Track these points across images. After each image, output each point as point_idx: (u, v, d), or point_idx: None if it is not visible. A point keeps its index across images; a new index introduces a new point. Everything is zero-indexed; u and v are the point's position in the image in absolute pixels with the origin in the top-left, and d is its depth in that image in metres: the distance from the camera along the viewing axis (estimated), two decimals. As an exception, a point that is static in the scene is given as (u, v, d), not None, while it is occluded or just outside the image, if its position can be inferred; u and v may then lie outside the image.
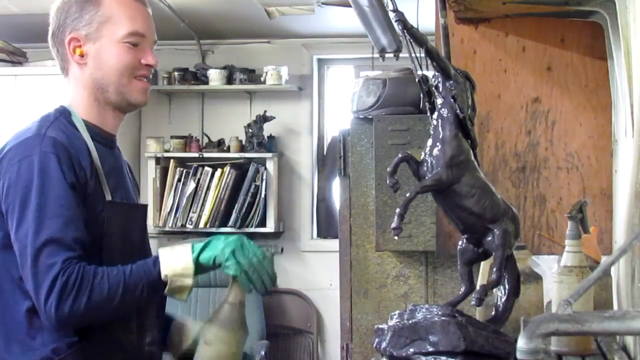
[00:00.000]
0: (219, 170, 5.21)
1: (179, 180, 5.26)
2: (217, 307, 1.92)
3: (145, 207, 2.04)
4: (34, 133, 1.82)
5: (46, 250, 1.72)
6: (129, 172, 2.07)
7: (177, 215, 5.22)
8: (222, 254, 1.81)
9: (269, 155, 5.25)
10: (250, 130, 5.23)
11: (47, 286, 1.71)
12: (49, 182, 1.76)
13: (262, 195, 5.20)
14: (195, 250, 1.82)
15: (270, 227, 5.23)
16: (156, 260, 1.80)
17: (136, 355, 1.92)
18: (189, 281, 1.80)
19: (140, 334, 1.93)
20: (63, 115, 1.91)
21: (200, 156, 5.33)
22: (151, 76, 1.97)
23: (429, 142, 1.75)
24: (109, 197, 1.86)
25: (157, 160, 5.35)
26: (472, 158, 1.76)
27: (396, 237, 1.68)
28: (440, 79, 1.75)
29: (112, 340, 1.86)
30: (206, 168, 5.23)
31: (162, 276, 1.78)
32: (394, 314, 1.79)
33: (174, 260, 1.80)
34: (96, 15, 1.89)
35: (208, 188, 5.21)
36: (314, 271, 5.35)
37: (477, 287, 1.82)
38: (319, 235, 5.48)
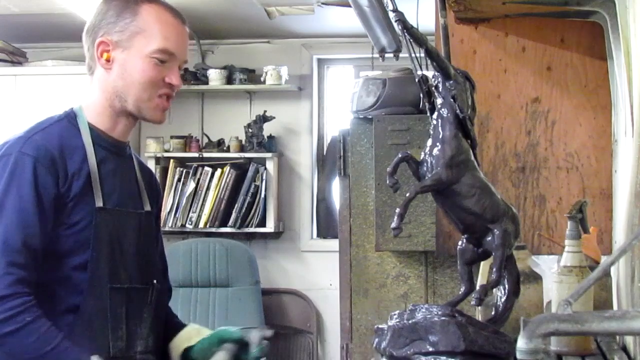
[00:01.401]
0: (219, 170, 5.22)
1: (179, 180, 5.26)
2: None
3: (141, 214, 1.99)
4: (23, 134, 1.84)
5: None
6: (141, 179, 2.03)
7: (177, 215, 5.22)
8: None
9: (269, 155, 5.25)
10: (250, 130, 5.23)
11: None
12: (17, 183, 1.76)
13: (262, 195, 5.20)
14: None
15: (270, 227, 5.23)
16: None
17: None
18: None
19: (130, 341, 1.91)
20: (68, 117, 1.90)
21: (200, 156, 5.33)
22: (174, 95, 1.95)
23: (429, 142, 1.75)
24: (99, 203, 1.84)
25: (157, 160, 5.34)
26: (472, 158, 1.76)
27: (396, 237, 1.68)
28: (440, 79, 1.75)
29: (99, 345, 1.84)
30: (206, 168, 5.23)
31: None
32: (394, 314, 1.79)
33: None
34: (131, 24, 1.88)
35: (208, 188, 5.21)
36: (314, 271, 5.35)
37: (477, 287, 1.81)
38: (319, 235, 5.48)
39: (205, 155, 5.33)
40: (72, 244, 1.82)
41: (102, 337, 1.85)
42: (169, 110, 1.95)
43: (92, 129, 1.90)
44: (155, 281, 1.99)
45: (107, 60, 1.89)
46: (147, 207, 2.01)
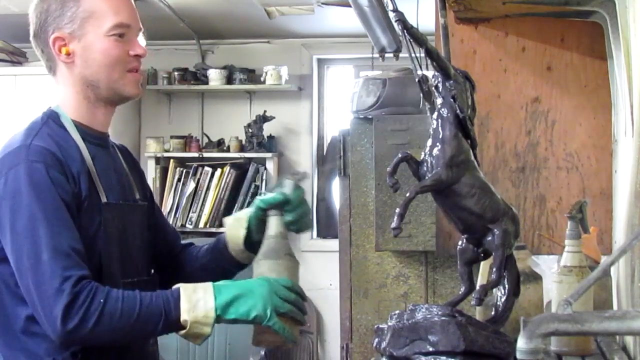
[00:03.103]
0: (219, 170, 5.22)
1: (179, 180, 5.26)
2: (262, 246, 1.90)
3: (144, 206, 1.98)
4: (20, 144, 1.78)
5: (45, 260, 1.66)
6: (130, 170, 2.01)
7: (177, 215, 5.22)
8: (264, 314, 1.74)
9: (269, 155, 5.26)
10: (250, 130, 5.24)
11: (52, 298, 1.65)
12: (38, 192, 1.70)
13: (262, 195, 5.20)
14: (219, 299, 1.73)
15: (270, 227, 5.23)
16: (177, 300, 1.72)
17: (141, 355, 1.92)
18: (207, 329, 1.73)
19: None
20: (51, 118, 1.86)
21: (200, 156, 5.33)
22: (141, 66, 1.92)
23: (429, 142, 1.75)
24: (104, 199, 1.82)
25: (157, 160, 5.35)
26: (472, 158, 1.75)
27: (396, 237, 1.68)
28: (440, 79, 1.75)
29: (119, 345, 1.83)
30: (206, 168, 5.24)
31: (182, 320, 1.71)
32: (394, 314, 1.79)
33: (197, 305, 1.72)
34: (78, 11, 1.83)
35: (208, 188, 5.21)
36: (314, 271, 5.35)
37: (477, 287, 1.81)
38: (319, 235, 5.48)
39: (205, 155, 5.33)
40: (88, 244, 1.77)
41: None
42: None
43: (77, 126, 1.86)
44: (152, 271, 2.00)
45: (67, 55, 1.85)
46: (138, 196, 1.99)
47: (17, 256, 1.70)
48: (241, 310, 1.74)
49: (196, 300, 1.72)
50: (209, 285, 1.76)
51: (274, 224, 1.91)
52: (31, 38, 1.91)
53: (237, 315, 1.74)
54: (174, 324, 1.72)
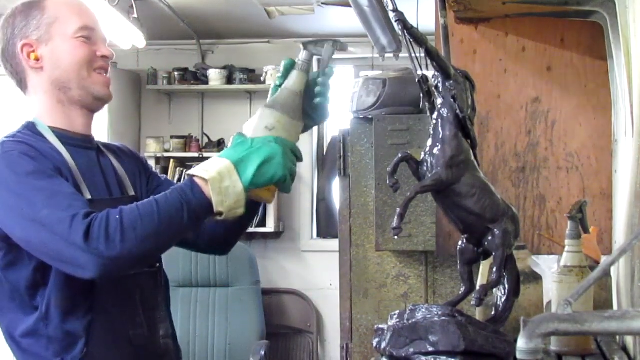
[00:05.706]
0: (219, 170, 5.22)
1: (179, 180, 5.26)
2: (276, 94, 1.77)
3: (131, 198, 1.94)
4: None
5: (47, 215, 1.63)
6: (119, 165, 1.99)
7: (177, 215, 5.22)
8: (283, 182, 1.72)
9: (269, 155, 5.25)
10: (250, 130, 5.24)
11: (68, 237, 1.60)
12: (20, 170, 1.70)
13: (262, 195, 5.20)
14: (244, 178, 1.67)
15: (270, 227, 5.23)
16: (192, 188, 1.66)
17: (150, 349, 1.91)
18: (241, 210, 1.69)
19: (152, 327, 1.92)
20: (28, 128, 1.88)
21: (200, 156, 5.33)
22: (109, 69, 1.95)
23: (429, 142, 1.75)
24: (87, 196, 1.81)
25: (157, 160, 5.35)
26: (472, 158, 1.75)
27: (396, 237, 1.68)
28: (440, 79, 1.75)
29: (120, 338, 1.84)
30: (206, 168, 5.24)
31: (217, 211, 1.66)
32: (394, 314, 1.79)
33: (227, 194, 1.66)
34: (43, 18, 1.88)
35: (208, 188, 5.21)
36: (314, 271, 5.35)
37: (477, 287, 1.81)
38: (319, 235, 5.48)
39: (205, 155, 5.33)
40: None
41: (122, 328, 1.85)
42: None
43: (55, 131, 1.88)
44: (158, 264, 1.98)
45: (37, 60, 1.88)
46: (132, 192, 1.98)
47: (24, 230, 1.68)
48: (265, 179, 1.70)
49: (225, 188, 1.67)
50: (230, 166, 1.68)
51: (299, 79, 1.79)
52: None
53: (261, 185, 1.70)
54: (199, 211, 1.67)
